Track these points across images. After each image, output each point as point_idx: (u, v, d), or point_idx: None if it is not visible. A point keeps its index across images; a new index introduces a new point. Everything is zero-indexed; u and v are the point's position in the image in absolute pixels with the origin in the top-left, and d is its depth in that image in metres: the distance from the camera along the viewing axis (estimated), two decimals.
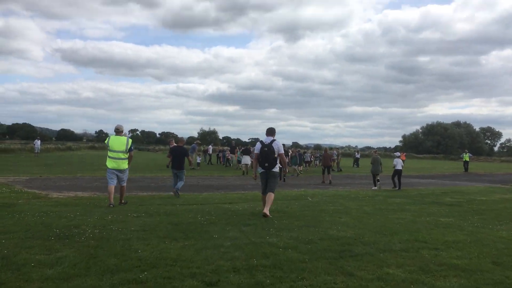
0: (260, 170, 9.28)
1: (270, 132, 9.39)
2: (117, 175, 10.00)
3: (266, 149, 9.07)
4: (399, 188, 17.39)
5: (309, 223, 8.22)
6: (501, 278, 5.08)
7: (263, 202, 9.28)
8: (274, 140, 9.18)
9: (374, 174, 18.31)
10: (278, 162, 9.24)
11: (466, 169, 35.29)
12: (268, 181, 9.21)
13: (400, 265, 5.50)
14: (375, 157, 18.87)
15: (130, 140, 10.10)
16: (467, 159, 36.46)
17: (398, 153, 20.52)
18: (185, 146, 13.94)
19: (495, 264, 5.69)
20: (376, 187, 17.81)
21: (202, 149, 32.06)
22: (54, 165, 26.41)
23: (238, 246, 6.14)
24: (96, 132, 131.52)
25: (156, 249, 5.78)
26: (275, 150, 9.06)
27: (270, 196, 9.12)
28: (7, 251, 5.39)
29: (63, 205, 9.74)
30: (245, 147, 29.33)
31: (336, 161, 32.48)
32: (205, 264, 5.17)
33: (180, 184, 12.66)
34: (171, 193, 12.55)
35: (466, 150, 39.60)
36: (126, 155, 10.02)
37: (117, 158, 9.91)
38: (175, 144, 13.87)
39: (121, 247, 5.84)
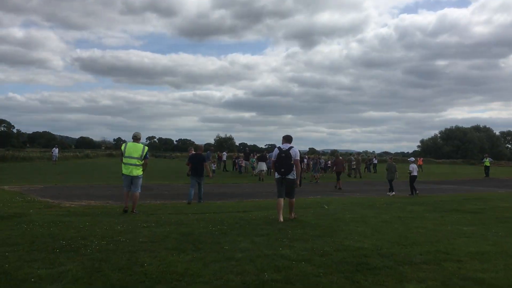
0: (276, 175, 9.49)
1: (287, 139, 9.57)
2: (131, 181, 10.10)
3: (284, 155, 9.26)
4: (413, 194, 17.20)
5: (324, 233, 7.90)
6: None
7: (278, 206, 9.40)
8: (292, 147, 9.39)
9: (390, 181, 18.31)
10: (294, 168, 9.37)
11: (487, 174, 34.43)
12: (287, 189, 9.44)
13: (421, 279, 5.16)
14: (391, 163, 18.99)
15: (146, 148, 10.25)
16: (488, 164, 35.62)
17: (412, 158, 20.09)
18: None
19: None
20: (391, 193, 17.84)
21: (217, 156, 31.81)
22: (71, 173, 26.53)
23: (249, 258, 5.86)
24: (114, 140, 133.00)
25: (163, 262, 5.54)
26: (292, 156, 9.23)
27: (291, 202, 9.54)
28: (8, 265, 5.20)
29: (73, 215, 9.60)
30: (261, 153, 29.11)
31: (355, 167, 31.95)
32: (214, 279, 4.92)
33: (201, 191, 13.14)
34: (187, 202, 12.68)
35: (487, 155, 38.76)
36: (141, 162, 10.11)
37: (131, 164, 10.03)
38: (194, 152, 14.03)
39: (127, 260, 5.61)
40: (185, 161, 18.22)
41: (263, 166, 25.99)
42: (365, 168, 37.60)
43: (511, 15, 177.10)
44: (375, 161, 39.88)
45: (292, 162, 9.25)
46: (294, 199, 9.62)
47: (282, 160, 9.26)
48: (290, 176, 9.34)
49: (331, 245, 6.89)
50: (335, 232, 8.02)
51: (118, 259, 5.62)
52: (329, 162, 34.18)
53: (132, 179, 10.10)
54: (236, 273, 5.17)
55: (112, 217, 9.33)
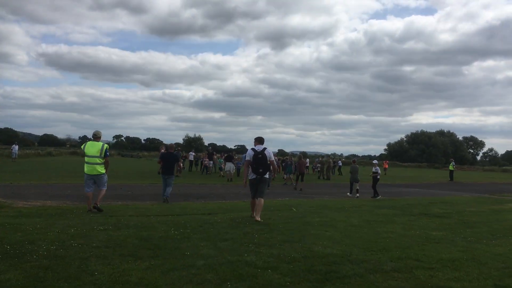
0: (252, 176, 9.62)
1: (260, 140, 9.87)
2: (94, 180, 10.16)
3: (260, 156, 9.54)
4: (375, 196, 17.30)
5: (292, 238, 7.56)
6: None
7: (252, 206, 9.78)
8: (265, 148, 9.69)
9: (353, 182, 18.60)
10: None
11: (451, 178, 35.08)
12: (258, 186, 9.61)
13: None
14: (354, 166, 19.24)
15: (106, 146, 10.19)
16: (452, 168, 36.35)
17: (376, 161, 20.20)
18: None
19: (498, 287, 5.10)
20: (350, 194, 18.33)
21: (182, 155, 30.89)
22: (30, 171, 25.36)
23: (211, 266, 5.45)
24: (80, 138, 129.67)
25: (116, 270, 5.06)
26: (268, 156, 9.57)
27: (260, 202, 9.57)
28: None
29: (24, 216, 8.92)
30: (228, 153, 28.71)
31: (322, 168, 32.07)
32: None
33: (168, 190, 13.16)
34: (162, 201, 12.92)
35: (452, 159, 39.64)
36: (102, 160, 10.11)
37: (92, 163, 10.03)
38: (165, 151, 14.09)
39: (77, 268, 5.10)
40: (152, 160, 17.85)
41: (230, 166, 25.65)
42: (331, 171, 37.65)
43: (475, 24, 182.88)
44: (340, 164, 40.10)
45: (269, 162, 9.60)
46: (263, 200, 9.68)
47: (259, 160, 9.52)
48: (266, 176, 9.70)
49: (299, 251, 6.55)
50: (304, 237, 7.70)
51: (67, 267, 5.11)
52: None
53: (95, 178, 10.15)
54: (195, 283, 4.75)
55: (67, 219, 8.71)
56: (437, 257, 6.57)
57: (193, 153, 32.15)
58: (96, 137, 10.30)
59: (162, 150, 14.96)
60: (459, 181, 34.61)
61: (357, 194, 17.86)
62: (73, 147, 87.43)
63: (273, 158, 9.88)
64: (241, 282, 4.87)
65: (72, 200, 12.44)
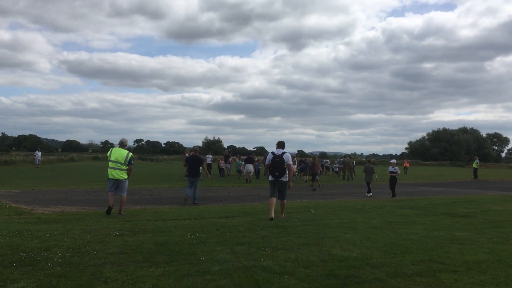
0: (270, 178, 10.23)
1: (280, 145, 10.41)
2: (117, 184, 10.58)
3: (278, 159, 10.07)
4: (394, 196, 17.05)
5: (310, 241, 7.38)
6: None
7: (270, 203, 10.19)
8: (284, 152, 10.21)
9: (368, 182, 18.80)
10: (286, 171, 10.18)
11: (475, 176, 34.29)
12: (279, 190, 10.28)
13: None
14: (368, 166, 19.29)
15: (131, 154, 10.75)
16: (476, 166, 35.55)
17: (394, 160, 19.79)
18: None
19: None
20: (369, 194, 18.37)
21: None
22: (51, 177, 25.72)
23: (226, 271, 5.32)
24: (101, 143, 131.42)
25: (130, 277, 4.98)
26: (285, 160, 10.06)
27: (283, 204, 10.43)
28: None
29: (43, 222, 8.97)
30: (248, 155, 28.61)
31: (344, 169, 31.48)
32: None
33: (195, 193, 13.93)
34: (184, 201, 13.91)
35: (476, 157, 38.81)
36: (126, 167, 10.59)
37: (116, 168, 10.51)
38: (190, 154, 15.08)
39: (90, 275, 5.04)
40: (172, 163, 18.19)
41: (250, 168, 25.60)
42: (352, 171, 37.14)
43: (496, 19, 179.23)
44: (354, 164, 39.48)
45: (285, 166, 10.06)
46: (285, 201, 10.48)
47: (276, 164, 10.05)
48: (283, 179, 10.16)
49: (317, 254, 6.38)
50: (322, 240, 7.51)
51: (80, 274, 5.05)
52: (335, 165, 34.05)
53: (118, 183, 10.58)
54: None
55: (85, 224, 8.72)
56: (461, 259, 6.32)
57: (211, 156, 31.94)
58: (123, 144, 10.85)
59: (187, 154, 15.89)
60: (484, 179, 33.84)
61: (371, 193, 18.22)
62: (95, 152, 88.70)
63: (290, 162, 10.27)
64: None
65: (92, 205, 12.50)
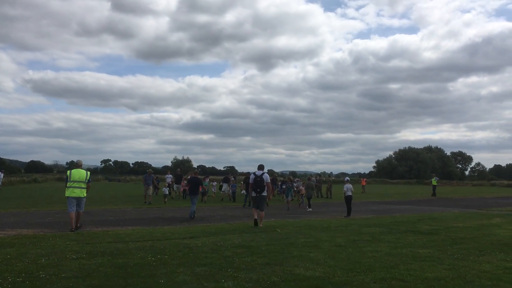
0: (253, 194, 13.02)
1: (261, 167, 13.25)
2: (77, 202, 11.56)
3: (259, 179, 12.86)
4: (349, 215, 16.78)
5: (274, 261, 7.30)
6: None
7: (254, 212, 13.05)
8: (264, 173, 13.08)
9: (308, 198, 20.75)
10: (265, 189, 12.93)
11: (434, 193, 34.96)
12: (259, 203, 12.89)
13: None
14: (308, 183, 21.88)
15: (88, 173, 11.94)
16: (435, 183, 36.35)
17: (347, 178, 19.93)
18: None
19: None
20: (310, 209, 19.91)
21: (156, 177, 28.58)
22: (11, 199, 24.78)
23: None
24: (67, 163, 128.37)
25: None
26: (264, 180, 12.88)
27: (261, 214, 12.91)
28: None
29: None
30: (225, 175, 29.17)
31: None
32: None
33: (193, 208, 15.69)
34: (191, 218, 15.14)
35: (434, 175, 39.91)
36: (85, 185, 11.73)
37: (77, 187, 11.53)
38: (188, 176, 17.37)
39: None
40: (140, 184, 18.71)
41: (226, 187, 26.61)
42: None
43: (457, 42, 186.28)
44: (296, 184, 39.15)
45: (265, 184, 12.84)
46: (263, 212, 13.06)
47: (258, 183, 12.85)
48: (263, 194, 12.92)
49: (280, 274, 6.30)
50: (286, 259, 7.44)
51: None
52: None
53: (78, 200, 11.60)
54: None
55: (41, 248, 8.36)
56: (422, 276, 6.36)
57: (170, 176, 30.66)
58: (78, 165, 12.03)
59: (189, 177, 18.01)
60: (448, 197, 34.58)
61: (310, 208, 19.97)
62: (60, 173, 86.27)
63: (268, 181, 13.11)
64: None
65: (51, 227, 12.05)
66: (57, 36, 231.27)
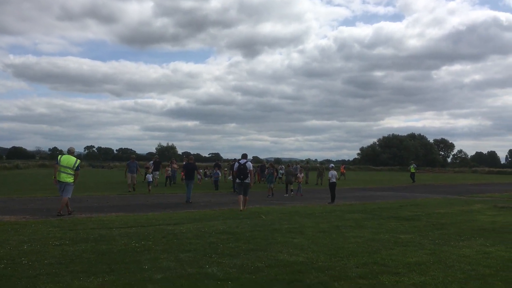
0: (237, 180, 13.98)
1: (244, 156, 14.38)
2: (64, 187, 11.87)
3: (242, 167, 13.80)
4: (333, 201, 16.90)
5: (258, 246, 7.35)
6: None
7: (239, 200, 13.80)
8: (247, 161, 14.04)
9: (287, 183, 21.41)
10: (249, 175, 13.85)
11: (413, 180, 35.48)
12: (244, 189, 13.80)
13: None
14: (288, 169, 22.34)
15: (78, 161, 12.20)
16: (413, 170, 36.85)
17: (332, 165, 20.09)
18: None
19: None
20: (287, 195, 20.64)
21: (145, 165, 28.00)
22: None
23: (169, 280, 5.19)
24: (50, 150, 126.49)
25: None
26: (247, 168, 13.81)
27: (246, 198, 13.90)
28: None
29: None
30: (216, 162, 30.61)
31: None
32: None
33: (189, 193, 16.40)
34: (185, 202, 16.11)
35: (412, 162, 40.52)
36: (73, 172, 12.01)
37: (64, 172, 11.90)
38: (186, 162, 17.87)
39: None
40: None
41: (218, 173, 26.38)
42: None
43: (441, 30, 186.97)
44: (282, 171, 39.09)
45: (248, 171, 13.75)
46: (247, 197, 14.09)
47: (241, 170, 13.79)
48: (246, 181, 13.80)
49: (263, 260, 6.35)
50: (270, 245, 7.50)
51: (12, 287, 4.76)
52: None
53: (64, 186, 11.88)
54: None
55: (22, 234, 8.27)
56: (404, 261, 6.47)
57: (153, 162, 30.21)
58: (71, 152, 12.37)
59: (184, 162, 18.64)
60: (431, 183, 35.10)
61: (292, 193, 20.88)
62: (42, 159, 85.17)
63: (251, 168, 14.07)
64: None
65: (34, 214, 11.92)
66: (38, 20, 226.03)
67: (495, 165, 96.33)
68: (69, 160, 12.01)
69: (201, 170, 27.50)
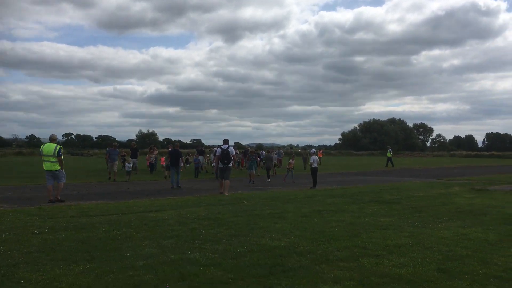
0: (220, 165, 14.62)
1: (226, 141, 14.89)
2: (52, 175, 12.03)
3: (226, 152, 14.42)
4: (314, 186, 17.08)
5: (240, 232, 7.37)
6: None
7: (220, 184, 14.64)
8: (229, 146, 14.66)
9: (267, 169, 22.59)
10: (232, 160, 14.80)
11: (391, 164, 36.00)
12: (225, 173, 14.44)
13: (338, 279, 4.78)
14: (268, 155, 23.75)
15: (59, 147, 12.15)
16: (390, 155, 37.42)
17: (313, 150, 20.28)
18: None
19: (441, 272, 5.11)
20: (269, 180, 21.35)
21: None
22: None
23: (151, 266, 5.17)
24: (27, 137, 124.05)
25: (46, 276, 4.70)
26: (230, 152, 14.51)
27: (227, 182, 14.49)
28: None
29: None
30: (200, 148, 30.43)
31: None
32: None
33: (178, 178, 17.36)
34: (172, 188, 16.64)
35: (388, 147, 41.35)
36: (56, 159, 11.99)
37: (48, 161, 11.97)
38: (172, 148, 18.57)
39: (2, 276, 4.70)
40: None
41: (201, 159, 26.60)
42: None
43: (421, 15, 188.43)
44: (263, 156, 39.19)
45: (231, 156, 14.59)
46: (228, 181, 14.60)
47: (225, 155, 14.45)
48: (229, 165, 14.57)
49: (246, 245, 6.37)
50: (252, 230, 7.53)
51: None
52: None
53: (53, 174, 12.04)
54: (132, 285, 4.48)
55: (1, 223, 8.13)
56: (383, 243, 6.57)
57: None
58: (52, 139, 12.30)
59: (170, 149, 19.05)
60: (411, 167, 35.64)
61: (268, 180, 21.40)
62: (19, 147, 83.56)
63: (234, 153, 15.16)
64: (181, 281, 4.63)
65: (11, 203, 11.73)
66: (13, 4, 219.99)
67: (472, 149, 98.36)
68: (49, 148, 11.99)
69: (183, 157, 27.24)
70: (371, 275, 4.96)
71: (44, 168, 12.07)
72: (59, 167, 12.08)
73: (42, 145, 12.45)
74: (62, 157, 12.24)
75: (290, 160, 22.31)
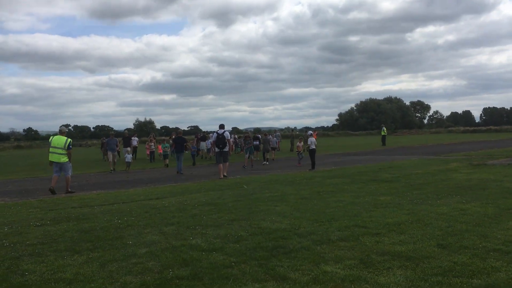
0: (216, 149, 15.28)
1: (222, 126, 15.45)
2: (59, 167, 12.24)
3: (221, 137, 15.02)
4: (313, 168, 17.15)
5: (241, 216, 7.42)
6: (449, 265, 4.51)
7: (219, 169, 15.06)
8: (224, 131, 15.21)
9: (264, 152, 22.64)
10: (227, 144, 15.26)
11: (383, 143, 36.19)
12: (221, 157, 15.03)
13: (339, 259, 4.83)
14: (265, 138, 23.20)
15: (69, 140, 12.48)
16: (384, 133, 37.54)
17: (310, 132, 20.39)
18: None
19: (441, 247, 5.16)
20: (266, 162, 21.70)
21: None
22: None
23: (154, 253, 5.22)
24: (24, 130, 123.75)
25: (50, 268, 4.74)
26: (226, 137, 15.10)
27: (226, 164, 15.22)
28: None
29: None
30: (203, 134, 31.25)
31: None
32: (108, 283, 4.23)
33: (180, 165, 17.71)
34: (177, 173, 17.27)
35: (382, 125, 41.45)
36: (65, 151, 12.21)
37: (56, 153, 12.17)
38: (175, 136, 19.70)
39: (6, 269, 4.74)
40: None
41: (203, 145, 27.06)
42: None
43: None
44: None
45: (226, 141, 15.06)
46: (227, 163, 15.38)
47: (220, 140, 15.00)
48: (225, 149, 15.10)
49: (247, 229, 6.42)
50: (253, 214, 7.58)
51: None
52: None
53: (61, 166, 12.26)
54: (136, 273, 4.52)
55: (2, 217, 8.18)
56: (383, 222, 6.62)
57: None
58: (61, 132, 12.63)
59: (173, 136, 20.45)
60: (408, 145, 35.73)
61: (266, 162, 21.73)
62: (17, 141, 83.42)
63: (229, 138, 15.49)
64: (184, 267, 4.67)
65: (12, 196, 11.78)
66: None
67: (470, 124, 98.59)
68: (59, 140, 12.23)
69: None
70: (372, 253, 5.01)
71: (50, 159, 12.29)
72: (67, 159, 12.30)
73: (52, 136, 12.85)
74: (71, 150, 12.53)
75: (298, 143, 22.31)
